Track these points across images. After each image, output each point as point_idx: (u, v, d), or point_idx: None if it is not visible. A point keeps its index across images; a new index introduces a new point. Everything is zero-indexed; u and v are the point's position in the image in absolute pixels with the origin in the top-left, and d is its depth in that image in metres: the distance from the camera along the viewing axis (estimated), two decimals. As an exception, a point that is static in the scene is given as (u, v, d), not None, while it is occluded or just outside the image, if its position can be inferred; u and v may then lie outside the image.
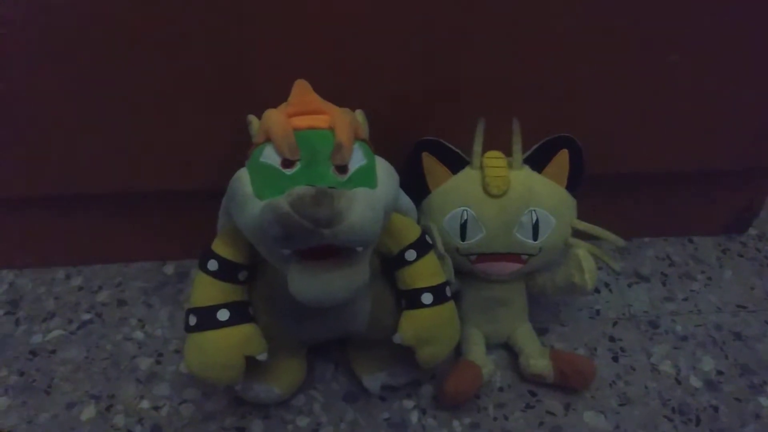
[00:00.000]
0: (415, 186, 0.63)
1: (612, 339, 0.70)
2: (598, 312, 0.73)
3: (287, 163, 0.47)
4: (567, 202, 0.63)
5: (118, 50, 0.56)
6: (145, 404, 0.63)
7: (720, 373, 0.67)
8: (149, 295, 0.75)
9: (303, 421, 0.61)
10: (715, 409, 0.63)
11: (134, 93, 0.59)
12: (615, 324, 0.72)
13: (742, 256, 0.82)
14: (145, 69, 0.57)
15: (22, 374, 0.66)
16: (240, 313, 0.52)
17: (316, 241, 0.42)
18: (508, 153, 0.61)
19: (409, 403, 0.63)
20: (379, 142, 0.53)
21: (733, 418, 0.62)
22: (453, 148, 0.62)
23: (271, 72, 0.57)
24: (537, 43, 0.58)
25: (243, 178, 0.48)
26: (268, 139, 0.48)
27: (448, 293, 0.57)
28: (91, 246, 0.77)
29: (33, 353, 0.68)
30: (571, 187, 0.63)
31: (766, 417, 0.62)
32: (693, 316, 0.73)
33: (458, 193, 0.61)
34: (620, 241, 0.63)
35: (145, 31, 0.55)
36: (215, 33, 0.55)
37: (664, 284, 0.77)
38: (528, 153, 0.62)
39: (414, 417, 0.62)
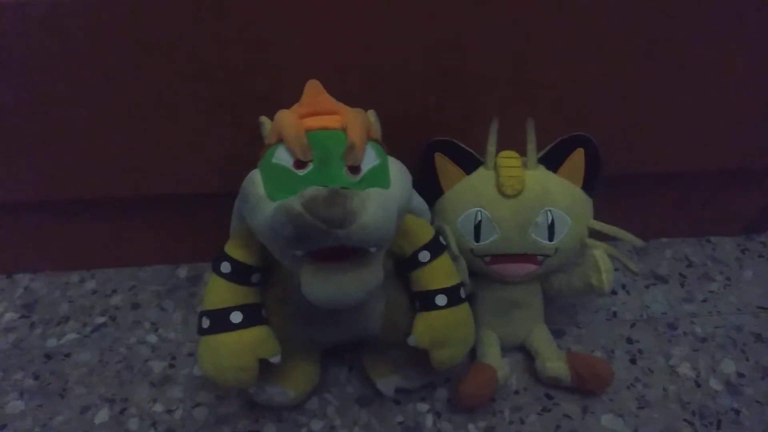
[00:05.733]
0: (429, 187, 0.63)
1: (629, 341, 0.69)
2: (615, 314, 0.72)
3: (300, 164, 0.46)
4: (583, 201, 0.62)
5: (130, 54, 0.56)
6: (158, 407, 0.63)
7: (741, 375, 0.65)
8: (162, 299, 0.75)
9: (317, 425, 0.61)
10: (737, 412, 0.62)
11: (146, 96, 0.59)
12: (633, 326, 0.71)
13: (762, 256, 0.80)
14: (156, 73, 0.57)
15: (36, 378, 0.66)
16: (253, 316, 0.52)
17: (329, 242, 0.41)
18: (522, 153, 0.60)
19: (423, 407, 0.63)
20: (391, 143, 0.53)
21: (755, 422, 0.61)
22: (466, 148, 0.62)
23: (282, 73, 0.57)
24: (552, 41, 0.58)
25: (255, 179, 0.48)
26: (280, 140, 0.48)
27: (463, 295, 0.56)
28: (104, 250, 0.77)
29: (47, 357, 0.68)
30: (588, 186, 0.62)
31: (790, 420, 0.61)
32: (712, 317, 0.72)
33: (472, 194, 0.61)
34: (638, 242, 0.62)
35: (157, 35, 0.55)
36: (226, 35, 0.55)
37: (682, 285, 0.76)
38: (543, 152, 0.61)
39: (428, 420, 0.61)
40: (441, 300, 0.54)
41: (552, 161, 0.61)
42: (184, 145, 0.63)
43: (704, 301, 0.74)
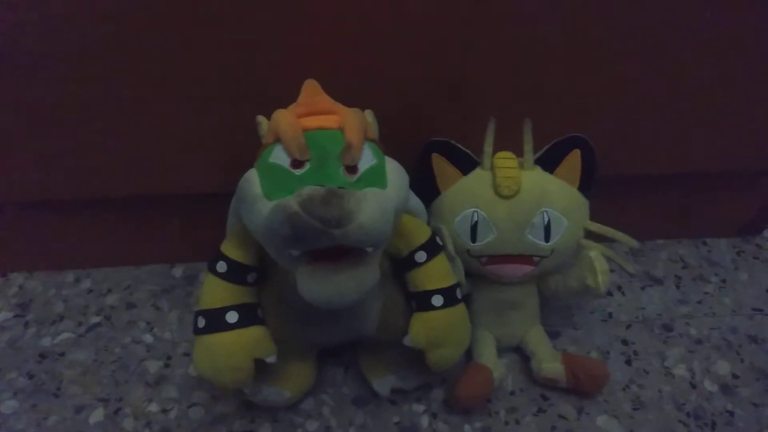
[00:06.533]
0: (425, 187, 0.63)
1: (625, 342, 0.69)
2: (610, 315, 0.73)
3: (297, 164, 0.46)
4: (579, 203, 0.62)
5: (129, 54, 0.56)
6: (153, 407, 0.62)
7: (736, 377, 0.66)
8: (158, 298, 0.75)
9: (312, 425, 0.61)
10: (731, 413, 0.62)
11: (142, 96, 0.59)
12: (628, 327, 0.71)
13: (757, 258, 0.81)
14: (153, 72, 0.57)
15: (31, 377, 0.65)
16: (249, 315, 0.52)
17: (325, 241, 0.41)
18: (519, 153, 0.60)
19: (419, 407, 0.62)
20: (388, 143, 0.53)
21: (750, 423, 0.61)
22: (463, 148, 0.62)
23: (280, 72, 0.57)
24: (549, 42, 0.58)
25: (252, 179, 0.47)
26: (277, 140, 0.48)
27: (459, 295, 0.56)
28: (100, 249, 0.77)
29: (42, 356, 0.68)
30: (584, 187, 0.62)
31: (784, 422, 0.61)
32: (707, 319, 0.72)
33: (469, 195, 0.61)
34: (633, 243, 0.62)
35: (155, 35, 0.55)
36: (224, 34, 0.55)
37: (677, 287, 0.76)
38: (539, 153, 0.62)
39: (424, 421, 0.61)
40: (437, 300, 0.54)
41: (548, 162, 0.61)
42: (181, 144, 0.63)
43: (699, 302, 0.74)
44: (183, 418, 0.61)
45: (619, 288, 0.76)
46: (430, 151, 0.62)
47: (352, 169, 0.47)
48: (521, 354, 0.67)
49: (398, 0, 0.54)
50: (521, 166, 0.60)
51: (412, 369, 0.60)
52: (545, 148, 0.61)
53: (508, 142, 0.60)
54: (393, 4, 0.54)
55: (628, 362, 0.67)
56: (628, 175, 0.70)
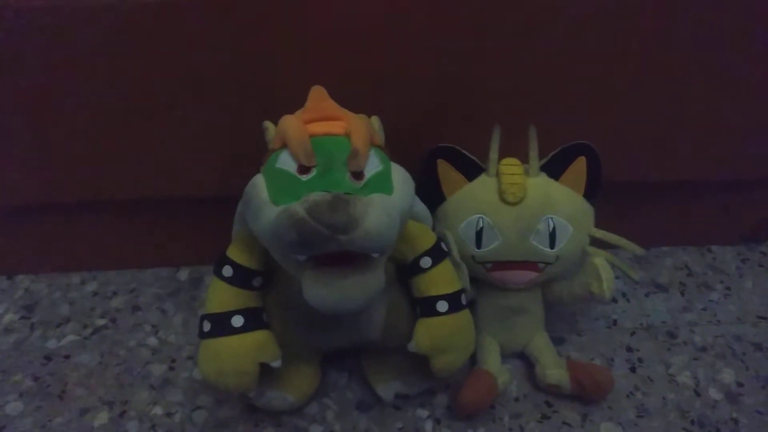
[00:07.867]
0: (431, 193, 0.63)
1: (629, 349, 0.69)
2: (615, 322, 0.72)
3: (303, 169, 0.47)
4: (584, 209, 0.62)
5: (134, 57, 0.56)
6: (158, 410, 0.63)
7: (740, 385, 0.65)
8: (163, 301, 0.75)
9: (316, 429, 0.61)
10: (736, 422, 0.62)
11: (148, 99, 0.59)
12: (632, 334, 0.71)
13: (762, 265, 0.80)
14: (160, 76, 0.57)
15: (36, 379, 0.66)
16: (254, 320, 0.52)
17: (331, 247, 0.41)
18: (524, 160, 0.60)
19: (423, 413, 0.62)
20: (394, 149, 0.53)
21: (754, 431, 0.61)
22: (468, 155, 0.62)
23: (287, 78, 0.57)
24: (554, 49, 0.58)
25: (259, 184, 0.48)
26: (284, 146, 0.48)
27: (464, 301, 0.56)
28: (105, 252, 0.77)
29: (47, 358, 0.68)
30: (589, 194, 0.62)
31: (789, 431, 0.61)
32: (712, 326, 0.72)
33: (474, 201, 0.61)
34: (639, 250, 0.62)
35: (160, 37, 0.55)
36: (232, 40, 0.55)
37: (682, 294, 0.76)
38: (545, 160, 0.62)
39: (428, 427, 0.61)
40: (442, 306, 0.54)
41: (554, 169, 0.61)
42: (187, 147, 0.63)
43: (704, 310, 0.74)
44: (187, 422, 0.62)
45: (624, 295, 0.76)
46: (435, 157, 0.62)
47: (358, 175, 0.47)
48: (525, 360, 0.66)
49: (405, 7, 0.54)
50: (526, 172, 0.60)
51: (416, 374, 0.61)
52: (551, 154, 0.62)
53: (514, 148, 0.60)
54: (400, 11, 0.54)
55: (633, 369, 0.67)
56: (633, 182, 0.70)
